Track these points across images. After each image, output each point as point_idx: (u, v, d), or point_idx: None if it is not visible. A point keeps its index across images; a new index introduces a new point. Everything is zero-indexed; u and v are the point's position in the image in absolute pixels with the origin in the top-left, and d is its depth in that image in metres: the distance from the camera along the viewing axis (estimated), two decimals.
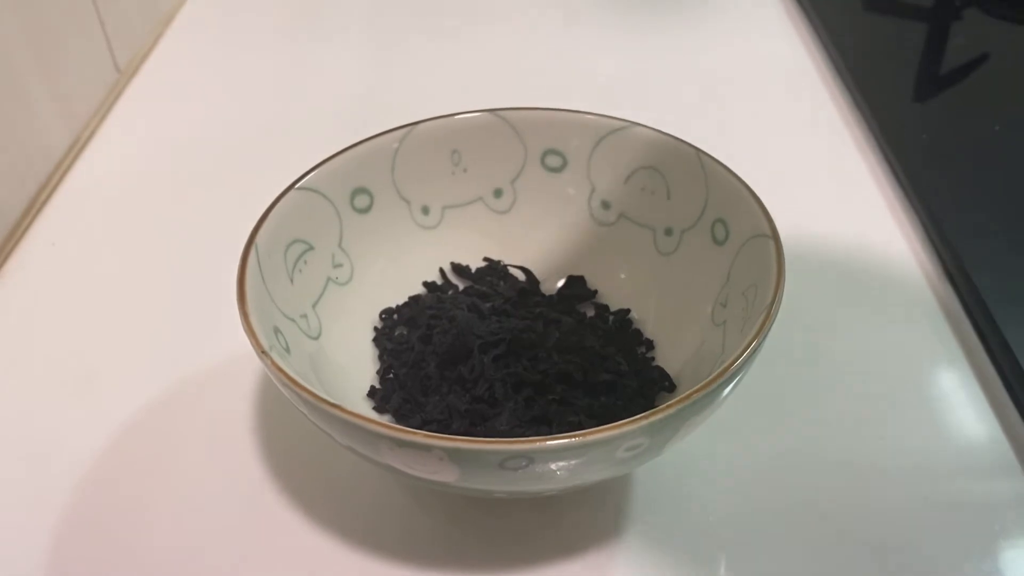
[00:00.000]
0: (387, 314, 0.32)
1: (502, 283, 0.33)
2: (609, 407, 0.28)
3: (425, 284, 0.33)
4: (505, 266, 0.34)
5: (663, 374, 0.30)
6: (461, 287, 0.34)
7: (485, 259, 0.34)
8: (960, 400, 0.31)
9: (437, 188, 0.33)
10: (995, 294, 0.34)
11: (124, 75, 0.51)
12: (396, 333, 0.32)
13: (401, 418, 0.29)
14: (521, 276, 0.34)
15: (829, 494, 0.28)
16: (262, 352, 0.24)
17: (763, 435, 0.30)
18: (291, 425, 0.30)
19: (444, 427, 0.28)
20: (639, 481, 0.29)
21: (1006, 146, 0.43)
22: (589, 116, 0.32)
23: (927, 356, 0.33)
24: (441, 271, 0.34)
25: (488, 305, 0.31)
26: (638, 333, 0.32)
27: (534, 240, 0.34)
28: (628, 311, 0.32)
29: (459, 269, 0.34)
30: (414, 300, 0.33)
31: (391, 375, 0.30)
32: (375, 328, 0.32)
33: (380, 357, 0.31)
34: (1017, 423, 0.30)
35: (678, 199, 0.31)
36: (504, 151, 0.33)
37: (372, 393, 0.30)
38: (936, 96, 0.48)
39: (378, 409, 0.29)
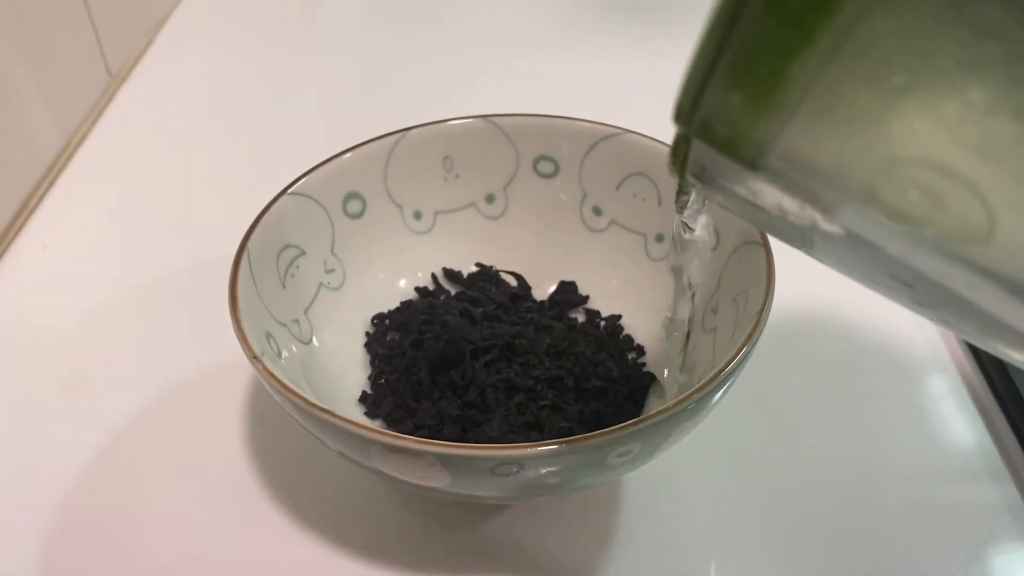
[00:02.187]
0: (379, 319, 0.32)
1: (494, 288, 0.33)
2: (600, 413, 0.28)
3: (417, 290, 0.33)
4: (497, 271, 0.34)
5: (654, 380, 0.30)
6: (453, 292, 0.34)
7: (477, 264, 0.34)
8: (949, 406, 0.32)
9: (429, 193, 0.33)
10: None
11: (116, 79, 0.51)
12: (388, 338, 0.32)
13: (392, 423, 0.29)
14: (513, 281, 0.34)
15: (819, 500, 0.28)
16: (254, 357, 0.24)
17: (753, 441, 0.30)
18: (283, 430, 0.30)
19: (435, 433, 0.28)
20: (629, 486, 0.29)
21: None
22: (581, 123, 0.33)
23: (915, 362, 0.33)
24: (433, 276, 0.34)
25: (480, 311, 0.32)
26: (629, 339, 0.32)
27: (526, 246, 0.34)
28: (619, 317, 0.32)
29: (451, 275, 0.34)
30: (406, 305, 0.33)
31: (382, 380, 0.30)
32: (367, 333, 0.32)
33: (372, 362, 0.31)
34: (1005, 429, 0.30)
35: (669, 206, 0.31)
36: (496, 157, 0.33)
37: (363, 398, 0.30)
38: None
39: (369, 414, 0.29)
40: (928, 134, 0.12)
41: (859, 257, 0.16)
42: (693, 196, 0.22)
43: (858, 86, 0.13)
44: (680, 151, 0.17)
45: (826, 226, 0.15)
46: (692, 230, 0.23)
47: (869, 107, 0.13)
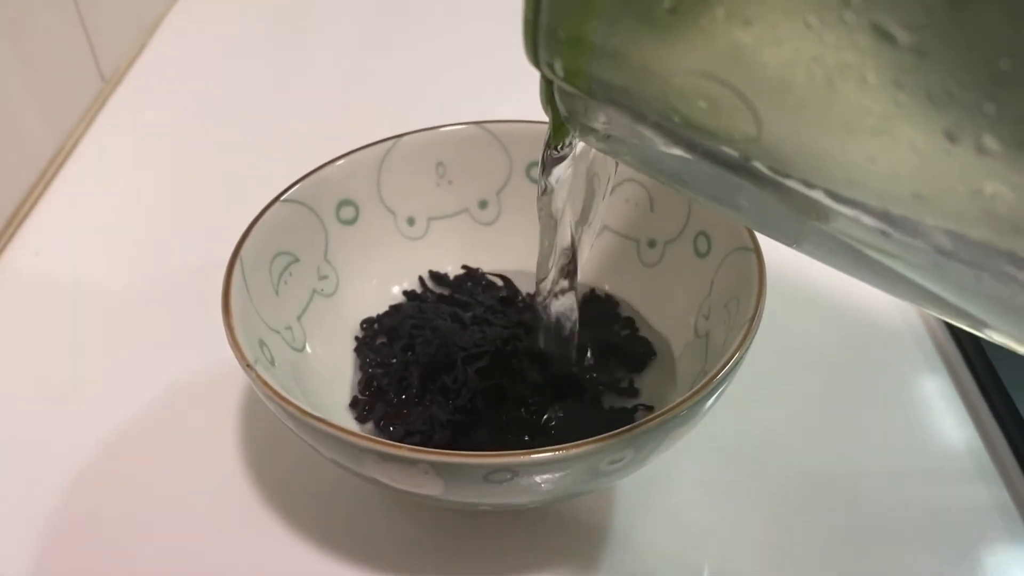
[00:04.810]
0: (368, 324, 0.32)
1: (481, 291, 0.33)
2: (594, 419, 0.28)
3: (405, 293, 0.33)
4: (483, 274, 0.34)
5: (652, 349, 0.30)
6: (438, 294, 0.33)
7: (463, 267, 0.34)
8: (939, 407, 0.32)
9: (422, 199, 0.33)
10: None
11: (109, 84, 0.50)
12: (377, 342, 0.32)
13: (383, 429, 0.29)
14: (499, 283, 0.34)
15: (811, 502, 0.29)
16: (247, 365, 0.24)
17: (745, 445, 0.30)
18: (276, 437, 0.30)
19: (426, 438, 0.28)
20: (623, 492, 0.29)
21: None
22: None
23: (905, 364, 0.33)
24: (421, 279, 0.34)
25: (469, 314, 0.32)
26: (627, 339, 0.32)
27: (519, 251, 0.34)
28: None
29: (437, 277, 0.34)
30: (395, 309, 0.33)
31: (373, 385, 0.30)
32: (356, 338, 0.32)
33: (361, 367, 0.31)
34: (994, 429, 0.31)
35: (661, 211, 0.32)
36: (489, 163, 0.33)
37: (354, 404, 0.30)
38: None
39: (359, 419, 0.29)
40: (698, 47, 0.15)
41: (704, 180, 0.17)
42: (567, 146, 0.23)
43: (641, 12, 0.15)
44: (547, 92, 0.19)
45: (664, 147, 0.17)
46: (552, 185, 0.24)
47: (653, 29, 0.15)
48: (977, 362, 0.33)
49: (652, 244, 0.32)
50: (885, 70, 0.13)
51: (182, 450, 0.30)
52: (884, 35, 0.12)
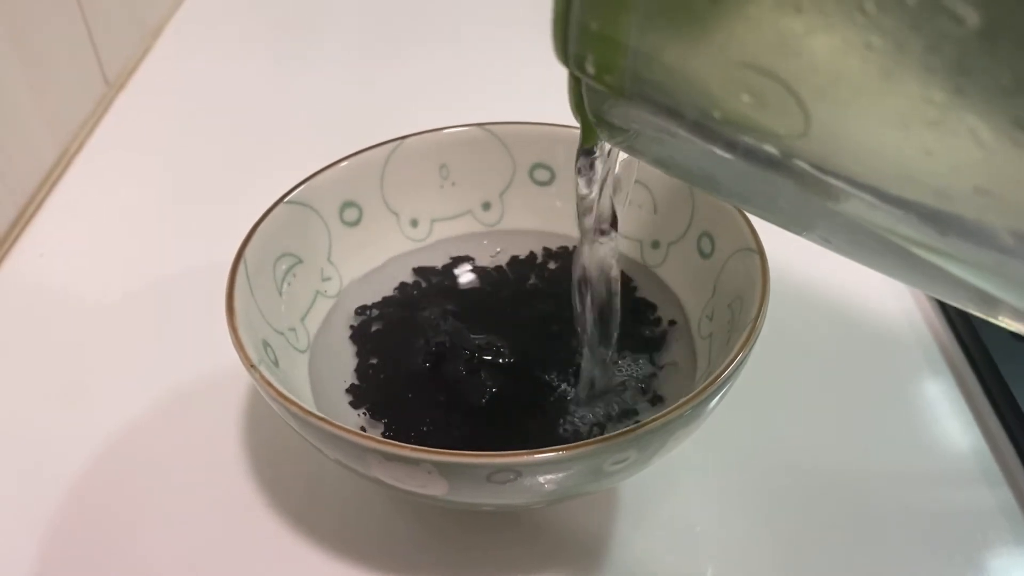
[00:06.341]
0: (362, 310, 0.32)
1: (473, 283, 0.33)
2: (596, 418, 0.28)
3: (398, 288, 0.33)
4: (473, 266, 0.34)
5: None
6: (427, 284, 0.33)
7: (451, 258, 0.34)
8: (944, 410, 0.32)
9: (426, 201, 0.33)
10: None
11: (113, 87, 0.51)
12: (373, 330, 0.32)
13: (378, 416, 0.28)
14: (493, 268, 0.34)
15: (815, 505, 0.29)
16: (251, 366, 0.24)
17: (748, 447, 0.30)
18: (280, 438, 0.30)
19: (421, 432, 0.28)
20: (625, 493, 0.29)
21: None
22: (577, 130, 0.33)
23: (910, 366, 0.33)
24: (414, 270, 0.34)
25: (470, 286, 0.31)
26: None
27: (522, 252, 0.34)
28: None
29: (425, 271, 0.34)
30: (394, 302, 0.32)
31: (370, 373, 0.30)
32: (351, 327, 0.32)
33: (357, 354, 0.31)
34: (999, 431, 0.31)
35: (664, 213, 0.32)
36: (492, 165, 0.33)
37: (350, 390, 0.29)
38: None
39: (353, 405, 0.29)
40: (743, 37, 0.14)
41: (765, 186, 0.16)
42: (596, 154, 0.23)
43: (679, 4, 0.15)
44: (575, 92, 0.18)
45: (699, 147, 0.16)
46: (588, 192, 0.24)
47: (695, 18, 0.14)
48: (981, 364, 0.33)
49: (656, 245, 0.32)
50: (949, 55, 0.12)
51: (185, 452, 0.30)
52: (950, 16, 0.11)
